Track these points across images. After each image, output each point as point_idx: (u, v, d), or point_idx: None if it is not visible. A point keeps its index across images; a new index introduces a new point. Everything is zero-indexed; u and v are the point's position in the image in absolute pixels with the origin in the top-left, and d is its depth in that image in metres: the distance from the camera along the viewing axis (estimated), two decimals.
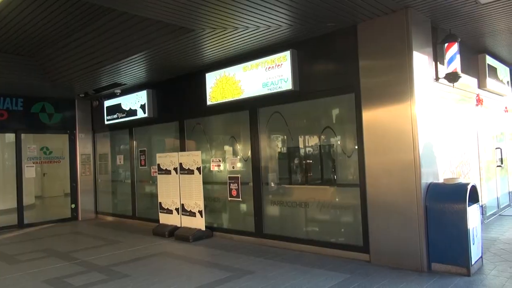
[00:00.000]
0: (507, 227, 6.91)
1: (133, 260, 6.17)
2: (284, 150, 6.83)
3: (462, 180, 6.27)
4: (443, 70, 5.68)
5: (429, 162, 5.12)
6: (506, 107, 9.05)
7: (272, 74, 6.36)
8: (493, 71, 7.78)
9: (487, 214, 7.48)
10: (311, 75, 6.09)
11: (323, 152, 6.19)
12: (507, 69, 8.69)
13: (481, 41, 6.83)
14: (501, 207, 8.31)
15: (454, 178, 5.04)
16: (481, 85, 7.44)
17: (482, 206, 7.24)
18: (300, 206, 6.41)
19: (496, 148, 8.17)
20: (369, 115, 5.34)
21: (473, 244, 4.74)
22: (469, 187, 4.72)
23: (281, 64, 6.23)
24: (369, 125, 5.35)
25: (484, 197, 7.35)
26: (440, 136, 5.75)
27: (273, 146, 6.97)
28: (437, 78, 5.66)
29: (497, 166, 8.17)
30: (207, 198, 7.78)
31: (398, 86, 5.07)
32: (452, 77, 5.53)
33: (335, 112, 6.21)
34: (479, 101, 7.31)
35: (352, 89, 5.55)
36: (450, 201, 4.81)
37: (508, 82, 8.69)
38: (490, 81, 7.58)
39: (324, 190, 6.14)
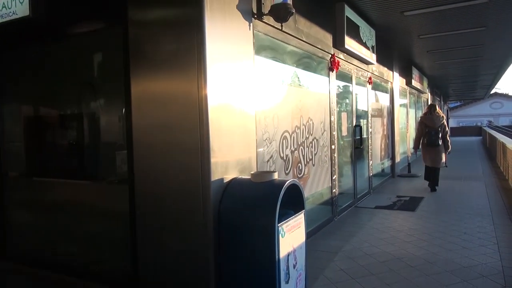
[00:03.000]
0: (359, 225, 5.43)
1: None
2: (38, 120, 4.28)
3: (292, 176, 4.47)
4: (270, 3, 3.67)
5: (230, 145, 3.10)
6: (370, 78, 7.69)
7: None
8: (354, 28, 6.18)
9: (339, 209, 5.98)
10: None
11: (84, 124, 3.82)
12: (373, 31, 7.26)
13: None
14: (358, 196, 6.97)
15: (266, 173, 3.08)
16: (338, 43, 5.76)
17: (335, 203, 5.67)
18: (57, 212, 4.00)
19: (355, 126, 6.72)
20: (139, 71, 3.12)
21: (287, 282, 2.87)
22: (283, 189, 2.80)
23: None
24: (140, 86, 3.13)
25: (336, 187, 5.80)
26: (262, 106, 3.82)
27: (22, 112, 4.37)
28: (259, 15, 3.64)
29: (356, 147, 6.74)
30: None
31: (179, 22, 2.91)
32: (279, 13, 3.54)
33: (99, 60, 3.84)
34: (334, 64, 5.62)
35: (118, 21, 3.24)
36: (251, 212, 2.86)
37: (373, 47, 7.28)
38: (349, 41, 5.95)
39: (85, 187, 3.79)
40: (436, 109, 7.81)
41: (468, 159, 13.72)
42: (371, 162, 7.81)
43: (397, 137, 10.15)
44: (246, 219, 2.84)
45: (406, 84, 11.86)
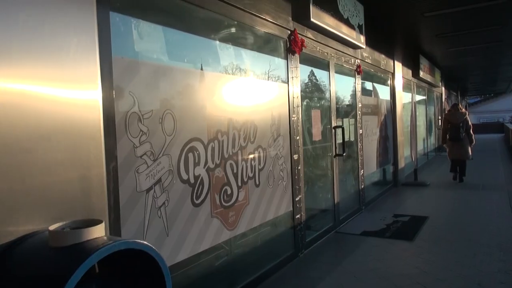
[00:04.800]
0: (329, 267, 3.90)
1: None
2: None
3: (213, 207, 2.93)
4: None
5: (17, 171, 1.64)
6: (359, 66, 6.12)
7: None
8: None
9: (308, 239, 4.45)
10: None
11: None
12: (360, 6, 5.69)
13: None
14: (341, 217, 5.42)
15: (73, 229, 1.61)
16: (300, 15, 4.23)
17: (301, 232, 4.17)
18: None
19: (334, 128, 5.17)
20: None
21: None
22: (77, 271, 1.33)
23: None
24: None
25: (303, 211, 4.29)
26: (134, 99, 2.35)
27: None
28: None
29: (337, 155, 5.19)
30: None
31: None
32: None
33: None
34: (295, 43, 4.10)
35: None
36: None
37: (360, 26, 5.71)
38: (318, 13, 4.43)
39: None
40: (458, 106, 8.46)
41: (488, 161, 11.92)
42: (362, 172, 6.24)
43: (400, 138, 8.52)
44: None
45: (413, 76, 10.20)
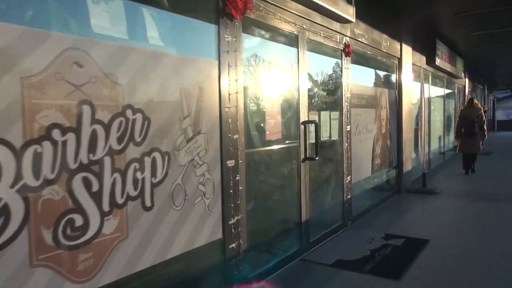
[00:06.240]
0: None
1: None
2: None
3: (35, 249, 1.74)
4: None
5: None
6: (348, 46, 4.82)
7: None
8: None
9: (253, 274, 3.26)
10: None
11: None
12: None
13: None
14: (312, 239, 4.18)
15: None
16: None
17: (237, 267, 2.99)
18: None
19: (303, 123, 3.92)
20: None
21: None
22: None
23: None
24: None
25: (243, 237, 3.10)
26: None
27: None
28: None
29: (306, 159, 3.95)
30: None
31: None
32: None
33: None
34: (234, 3, 2.88)
35: None
36: None
37: None
38: None
39: None
40: (473, 102, 8.67)
41: None
42: (348, 179, 4.97)
43: (406, 137, 7.16)
44: None
45: (427, 64, 8.75)
